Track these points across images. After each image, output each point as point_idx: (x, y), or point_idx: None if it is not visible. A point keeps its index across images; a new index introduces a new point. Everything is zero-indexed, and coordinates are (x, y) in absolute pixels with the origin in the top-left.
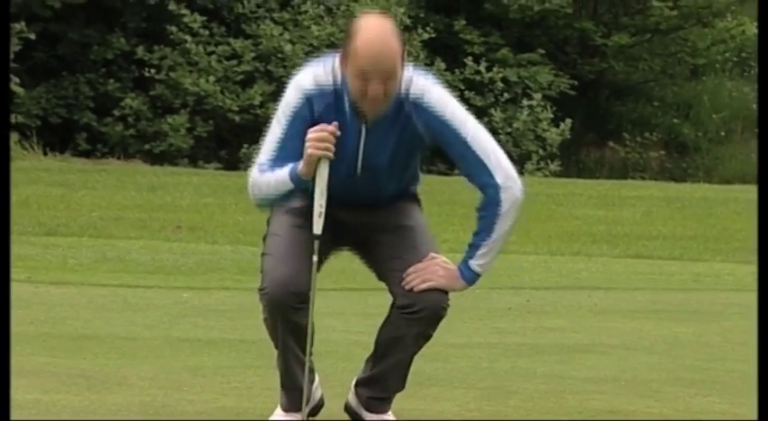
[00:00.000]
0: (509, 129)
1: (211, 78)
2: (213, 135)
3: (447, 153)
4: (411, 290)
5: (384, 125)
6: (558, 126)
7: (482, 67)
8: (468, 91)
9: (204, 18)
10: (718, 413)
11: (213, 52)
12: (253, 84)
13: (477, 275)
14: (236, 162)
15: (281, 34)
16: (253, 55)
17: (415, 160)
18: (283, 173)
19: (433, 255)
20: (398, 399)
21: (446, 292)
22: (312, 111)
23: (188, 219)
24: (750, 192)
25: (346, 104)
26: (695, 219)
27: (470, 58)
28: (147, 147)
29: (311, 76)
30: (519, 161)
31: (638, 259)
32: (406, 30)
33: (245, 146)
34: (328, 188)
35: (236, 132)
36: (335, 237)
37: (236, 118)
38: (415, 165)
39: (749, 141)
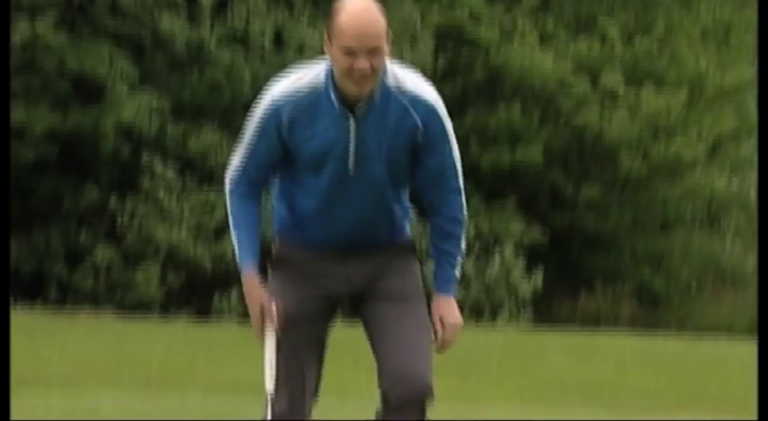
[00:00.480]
0: (481, 281)
1: (184, 229)
2: (185, 286)
3: (427, 154)
4: (395, 373)
5: (376, 116)
6: (529, 277)
7: None
8: None
9: (178, 168)
10: None
11: (186, 202)
12: (225, 234)
13: (458, 282)
14: (209, 312)
15: None
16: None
17: (407, 166)
18: (237, 246)
19: (420, 342)
20: None
21: (429, 372)
22: (280, 120)
23: (159, 371)
24: (721, 346)
25: (333, 98)
26: (668, 372)
27: None
28: (117, 297)
29: (284, 83)
30: (491, 311)
31: (612, 412)
32: None
33: (218, 296)
34: (323, 211)
35: (209, 283)
36: (334, 302)
37: (209, 268)
38: (407, 173)
39: (720, 294)
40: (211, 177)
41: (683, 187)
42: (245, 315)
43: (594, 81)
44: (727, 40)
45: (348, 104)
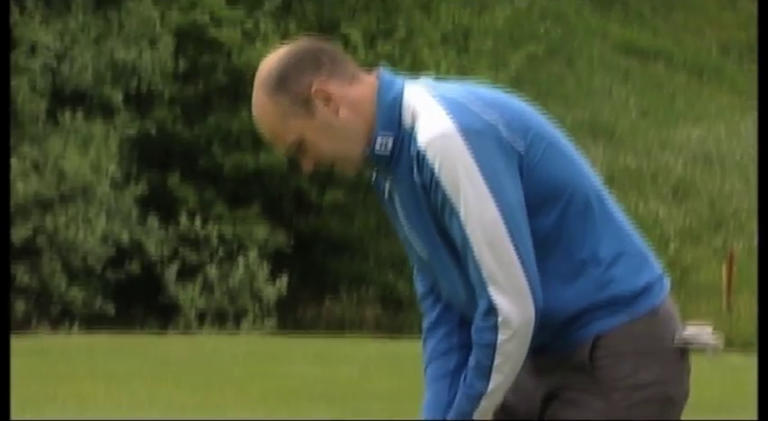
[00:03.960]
0: (225, 287)
1: None
2: None
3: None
4: None
5: (404, 179)
6: (274, 282)
7: (197, 223)
8: (183, 247)
9: None
10: None
11: None
12: None
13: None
14: None
15: None
16: None
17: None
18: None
19: None
20: None
21: None
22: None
23: None
24: None
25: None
26: (411, 374)
27: (185, 213)
28: None
29: None
30: (235, 317)
31: (355, 416)
32: (116, 187)
33: None
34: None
35: None
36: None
37: None
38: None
39: None
40: None
41: None
42: None
43: None
44: (466, 45)
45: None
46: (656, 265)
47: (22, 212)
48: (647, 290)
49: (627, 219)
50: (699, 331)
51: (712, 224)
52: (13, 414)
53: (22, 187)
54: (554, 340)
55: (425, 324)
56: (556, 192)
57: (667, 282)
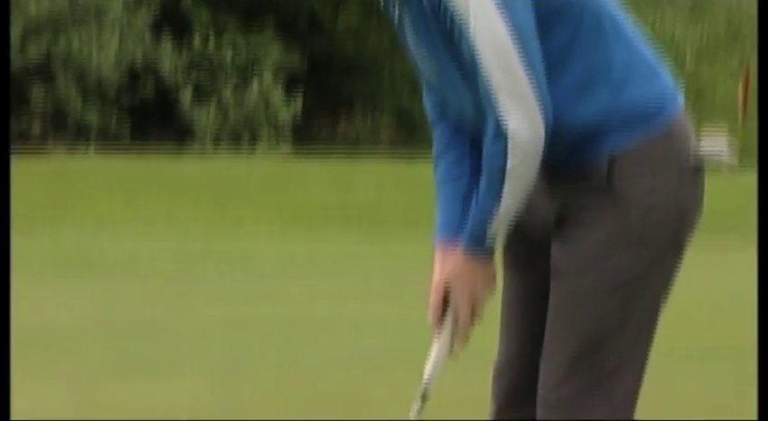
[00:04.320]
0: (240, 106)
1: None
2: None
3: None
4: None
5: (412, 1)
6: (289, 104)
7: (210, 45)
8: (196, 70)
9: None
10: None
11: None
12: None
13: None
14: None
15: None
16: None
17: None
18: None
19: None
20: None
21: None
22: None
23: None
24: None
25: None
26: (425, 196)
27: (198, 35)
28: None
29: None
30: (251, 138)
31: (369, 235)
32: (129, 8)
33: None
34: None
35: None
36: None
37: None
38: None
39: None
40: None
41: None
42: None
43: None
44: None
45: None
46: (670, 81)
47: (35, 33)
48: (660, 105)
49: (641, 36)
50: (713, 142)
51: (729, 42)
52: (30, 233)
53: (35, 7)
54: (567, 157)
55: (436, 149)
56: (565, 9)
57: (681, 98)
